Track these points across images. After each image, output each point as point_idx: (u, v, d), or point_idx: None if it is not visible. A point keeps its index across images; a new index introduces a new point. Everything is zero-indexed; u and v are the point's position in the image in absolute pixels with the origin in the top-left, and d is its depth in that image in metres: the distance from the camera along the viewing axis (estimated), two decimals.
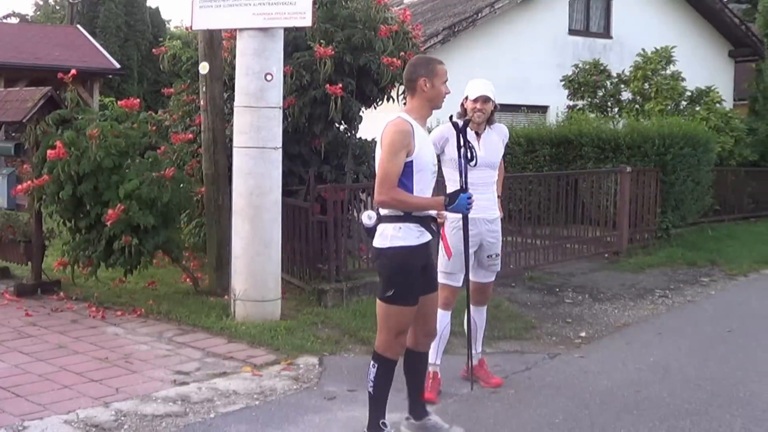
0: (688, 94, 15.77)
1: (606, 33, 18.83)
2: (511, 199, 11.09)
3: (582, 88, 15.92)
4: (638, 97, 15.56)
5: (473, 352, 5.98)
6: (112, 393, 5.72)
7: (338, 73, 8.94)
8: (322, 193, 8.66)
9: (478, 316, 6.16)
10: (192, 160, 9.77)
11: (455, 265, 5.75)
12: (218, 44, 8.65)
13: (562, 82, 16.21)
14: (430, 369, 5.74)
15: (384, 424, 4.84)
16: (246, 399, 5.71)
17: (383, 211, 4.71)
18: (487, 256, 6.03)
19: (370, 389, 4.83)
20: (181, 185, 8.58)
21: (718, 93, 15.97)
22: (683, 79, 15.47)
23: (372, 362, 4.82)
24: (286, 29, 7.96)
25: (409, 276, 4.69)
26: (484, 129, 5.97)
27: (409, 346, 4.97)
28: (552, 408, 5.70)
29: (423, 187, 4.74)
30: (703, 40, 20.26)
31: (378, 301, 4.76)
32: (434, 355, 5.77)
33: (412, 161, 4.65)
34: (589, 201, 12.28)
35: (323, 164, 9.57)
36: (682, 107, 15.60)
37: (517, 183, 11.36)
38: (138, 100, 9.00)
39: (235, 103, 7.76)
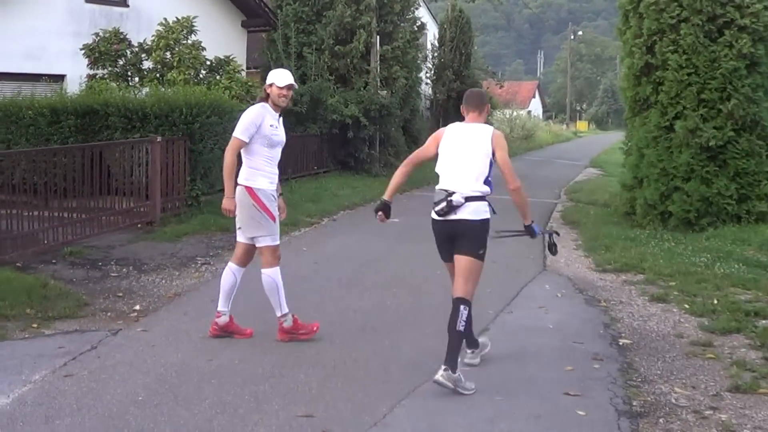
0: (209, 63, 16.31)
1: (123, 2, 18.59)
2: (36, 172, 10.79)
3: (103, 57, 15.69)
4: (160, 66, 15.74)
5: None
6: None
7: None
8: None
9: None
10: None
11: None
12: None
13: (83, 51, 15.81)
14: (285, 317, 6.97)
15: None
16: None
17: (474, 193, 5.90)
18: None
19: (461, 328, 5.79)
20: None
21: (238, 63, 16.73)
22: (204, 49, 15.97)
23: (462, 306, 5.82)
24: None
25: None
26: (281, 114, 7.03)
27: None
28: (131, 386, 5.80)
29: None
30: (218, 10, 20.81)
31: (474, 259, 5.93)
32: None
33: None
34: (119, 172, 12.27)
35: None
36: (202, 76, 16.09)
37: (41, 156, 11.08)
38: None
39: None
